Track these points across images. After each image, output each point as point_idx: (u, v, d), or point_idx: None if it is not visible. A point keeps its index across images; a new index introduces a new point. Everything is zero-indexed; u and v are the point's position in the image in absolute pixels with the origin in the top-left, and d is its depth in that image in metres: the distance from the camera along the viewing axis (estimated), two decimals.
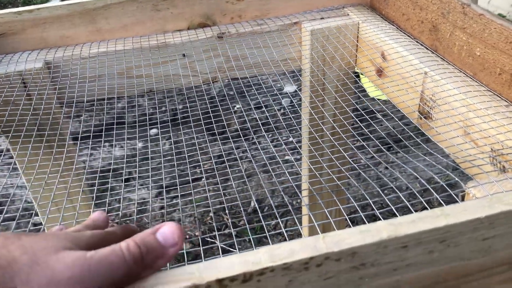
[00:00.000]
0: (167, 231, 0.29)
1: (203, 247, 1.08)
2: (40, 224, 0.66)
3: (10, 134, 0.58)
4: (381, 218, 0.32)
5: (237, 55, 0.70)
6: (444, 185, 0.42)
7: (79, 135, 0.60)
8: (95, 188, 0.50)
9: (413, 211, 0.35)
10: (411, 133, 0.52)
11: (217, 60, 0.70)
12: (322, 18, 0.73)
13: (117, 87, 0.65)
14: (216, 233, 0.38)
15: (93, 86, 0.65)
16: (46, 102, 0.63)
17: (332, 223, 0.41)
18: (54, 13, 0.68)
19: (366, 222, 0.30)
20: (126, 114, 0.63)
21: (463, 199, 0.39)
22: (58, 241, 0.27)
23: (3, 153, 0.62)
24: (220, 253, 0.35)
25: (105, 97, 0.63)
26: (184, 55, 0.71)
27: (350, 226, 0.30)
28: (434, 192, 0.40)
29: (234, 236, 0.71)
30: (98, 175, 0.52)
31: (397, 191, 0.44)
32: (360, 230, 0.28)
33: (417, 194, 0.41)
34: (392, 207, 0.41)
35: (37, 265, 0.25)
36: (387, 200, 0.44)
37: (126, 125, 0.60)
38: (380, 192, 0.47)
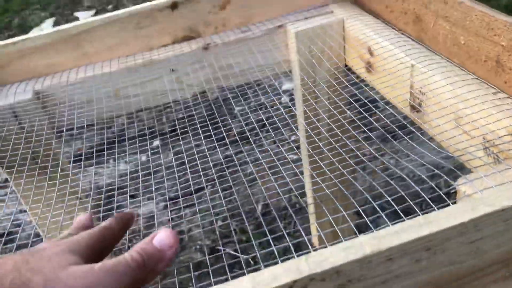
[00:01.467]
0: (162, 236, 0.33)
1: (213, 256, 1.08)
2: None
3: (5, 165, 0.59)
4: (386, 221, 0.31)
5: (224, 65, 0.70)
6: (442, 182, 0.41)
7: (83, 156, 0.60)
8: (101, 208, 0.51)
9: (418, 211, 0.34)
10: (407, 124, 0.52)
11: (204, 72, 0.70)
12: (306, 18, 0.72)
13: (106, 110, 0.65)
14: (221, 242, 0.37)
15: (83, 112, 0.65)
16: (39, 130, 0.63)
17: (338, 229, 0.40)
18: (37, 43, 0.68)
19: (370, 227, 0.29)
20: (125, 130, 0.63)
21: (455, 196, 0.39)
22: (62, 258, 0.29)
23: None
24: (225, 261, 0.35)
25: (95, 122, 0.63)
26: (172, 70, 0.71)
27: (356, 233, 0.29)
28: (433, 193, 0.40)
29: (238, 242, 0.71)
30: (103, 195, 0.52)
31: (401, 191, 0.44)
32: (342, 248, 0.27)
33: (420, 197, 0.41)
34: (396, 208, 0.40)
35: (50, 281, 0.27)
36: (390, 201, 0.44)
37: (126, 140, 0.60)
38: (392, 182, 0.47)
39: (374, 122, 0.53)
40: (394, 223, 0.29)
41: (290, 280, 0.26)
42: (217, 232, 1.11)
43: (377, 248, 0.27)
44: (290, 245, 0.38)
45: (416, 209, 0.38)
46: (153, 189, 0.53)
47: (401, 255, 0.28)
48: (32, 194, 0.54)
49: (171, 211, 1.17)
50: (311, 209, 0.78)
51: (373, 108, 0.56)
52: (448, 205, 0.30)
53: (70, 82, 0.67)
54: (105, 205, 0.51)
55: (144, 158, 1.33)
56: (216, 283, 0.28)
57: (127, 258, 0.30)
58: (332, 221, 0.43)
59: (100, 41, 0.71)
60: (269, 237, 0.41)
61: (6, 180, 0.63)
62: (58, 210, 0.50)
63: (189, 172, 0.54)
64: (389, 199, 0.40)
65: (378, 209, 0.39)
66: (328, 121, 0.60)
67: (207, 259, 0.43)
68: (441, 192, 0.35)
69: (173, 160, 0.56)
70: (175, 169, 0.55)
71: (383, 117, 0.58)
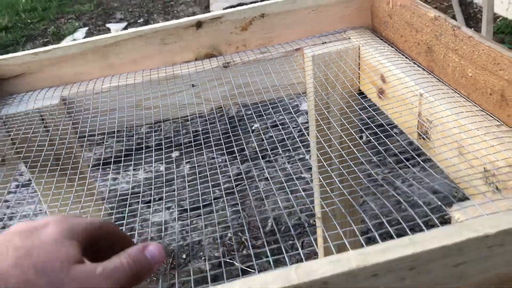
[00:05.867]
0: (154, 251, 0.34)
1: (223, 268, 1.09)
2: None
3: (29, 164, 0.63)
4: (394, 236, 0.33)
5: (241, 83, 0.73)
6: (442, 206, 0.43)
7: (101, 161, 0.63)
8: (114, 211, 0.53)
9: (424, 228, 0.36)
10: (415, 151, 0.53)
11: (222, 89, 0.73)
12: (323, 43, 0.75)
13: (127, 119, 0.69)
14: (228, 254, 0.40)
15: (105, 120, 0.68)
16: (63, 135, 0.67)
17: (347, 243, 0.42)
18: (68, 52, 0.72)
19: (379, 241, 0.31)
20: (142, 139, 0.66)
21: (449, 222, 0.40)
22: (62, 249, 0.31)
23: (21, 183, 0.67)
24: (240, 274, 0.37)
25: (115, 130, 0.67)
26: (192, 85, 0.74)
27: (363, 245, 0.31)
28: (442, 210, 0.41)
29: (253, 257, 0.73)
30: (117, 198, 0.55)
31: (410, 209, 0.45)
32: (330, 260, 0.29)
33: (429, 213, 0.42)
34: (404, 225, 0.42)
35: (54, 284, 0.29)
36: (399, 219, 0.46)
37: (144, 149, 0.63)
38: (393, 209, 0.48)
39: (379, 147, 0.55)
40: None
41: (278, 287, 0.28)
42: (226, 244, 1.13)
43: (362, 263, 0.29)
44: (302, 257, 0.40)
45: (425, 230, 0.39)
46: (164, 196, 0.56)
47: (386, 272, 0.30)
48: (51, 193, 0.57)
49: (183, 220, 1.20)
50: (319, 229, 0.80)
51: (379, 132, 0.58)
52: None
53: (96, 91, 0.71)
54: (119, 211, 0.54)
55: (161, 168, 1.37)
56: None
57: (124, 265, 0.32)
58: (342, 234, 0.45)
59: (126, 54, 0.75)
60: (283, 248, 0.42)
61: (29, 180, 0.67)
62: (73, 210, 0.53)
63: (199, 184, 0.57)
64: (384, 220, 0.41)
65: (373, 231, 0.41)
66: (338, 144, 0.62)
67: (207, 270, 0.45)
68: (433, 217, 0.37)
69: (185, 172, 0.59)
70: (182, 179, 0.58)
71: (388, 142, 0.59)
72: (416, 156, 0.52)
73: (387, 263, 0.29)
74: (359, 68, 0.72)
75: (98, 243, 0.35)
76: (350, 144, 0.58)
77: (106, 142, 0.67)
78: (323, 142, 0.65)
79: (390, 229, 0.41)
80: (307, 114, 1.66)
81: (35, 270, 0.29)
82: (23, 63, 0.72)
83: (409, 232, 0.39)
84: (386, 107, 0.65)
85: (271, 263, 0.41)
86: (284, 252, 0.42)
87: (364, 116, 0.59)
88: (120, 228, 0.46)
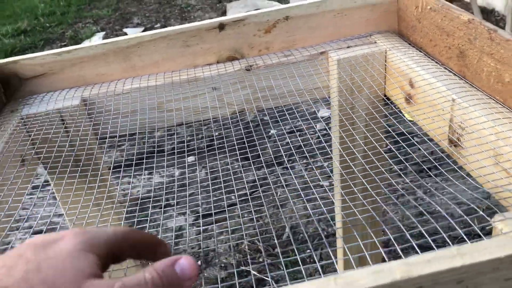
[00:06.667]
0: (185, 264, 0.30)
1: (238, 275, 1.08)
2: None
3: (49, 165, 0.62)
4: (418, 251, 0.31)
5: (264, 86, 0.71)
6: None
7: (122, 163, 0.62)
8: (128, 215, 0.52)
9: (450, 243, 0.34)
10: (445, 158, 0.51)
11: (245, 92, 0.72)
12: (348, 47, 0.73)
13: (149, 121, 0.68)
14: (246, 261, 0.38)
15: (126, 121, 0.67)
16: (83, 136, 0.66)
17: (367, 256, 0.40)
18: (90, 53, 0.72)
19: (402, 255, 0.29)
20: (161, 142, 0.65)
21: (490, 234, 0.38)
22: (77, 264, 0.28)
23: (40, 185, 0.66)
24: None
25: (137, 132, 0.66)
26: (214, 88, 0.73)
27: (385, 260, 0.29)
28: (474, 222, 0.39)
29: (266, 267, 0.71)
30: (135, 202, 0.54)
31: (434, 222, 0.43)
32: (372, 271, 0.27)
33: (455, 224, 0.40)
34: (428, 238, 0.40)
35: None
36: (423, 231, 0.43)
37: (160, 153, 0.62)
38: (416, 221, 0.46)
39: (399, 155, 0.53)
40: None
41: None
42: (242, 252, 1.11)
43: (407, 274, 0.27)
44: (319, 266, 0.38)
45: (450, 243, 0.37)
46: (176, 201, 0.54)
47: (432, 285, 0.28)
48: (70, 196, 0.56)
49: (199, 226, 1.18)
50: (339, 234, 0.78)
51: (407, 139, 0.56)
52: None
53: (117, 92, 0.70)
54: (138, 215, 0.52)
55: (176, 172, 1.36)
56: None
57: (147, 280, 0.28)
58: (362, 246, 0.43)
59: (148, 55, 0.74)
60: (298, 257, 0.41)
61: (46, 181, 0.66)
62: (93, 213, 0.52)
63: (221, 188, 0.55)
64: (422, 230, 0.39)
65: (410, 239, 0.39)
66: (363, 150, 0.60)
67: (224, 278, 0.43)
68: (475, 226, 0.35)
69: (200, 177, 0.58)
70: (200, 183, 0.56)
71: (409, 150, 0.57)
72: (438, 166, 0.50)
73: (434, 275, 0.27)
74: (385, 72, 0.70)
75: (125, 255, 0.32)
76: (374, 150, 0.56)
77: (126, 145, 0.66)
78: (348, 145, 0.63)
79: (413, 242, 0.39)
80: (324, 120, 1.64)
81: (44, 286, 0.26)
82: (45, 63, 0.72)
83: (433, 246, 0.37)
84: (415, 113, 0.62)
85: (285, 273, 0.39)
86: (300, 264, 0.40)
87: (394, 120, 0.57)
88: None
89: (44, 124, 0.65)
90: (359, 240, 0.43)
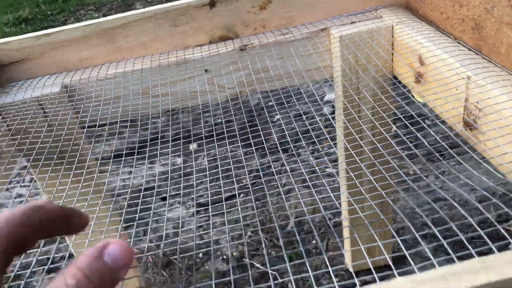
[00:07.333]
0: (115, 250, 0.24)
1: (240, 268, 1.03)
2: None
3: (32, 158, 0.57)
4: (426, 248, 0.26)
5: (260, 67, 0.65)
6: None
7: (112, 154, 0.57)
8: (123, 209, 0.47)
9: (469, 247, 0.29)
10: (459, 142, 0.45)
11: (239, 74, 0.66)
12: (352, 23, 0.67)
13: (132, 108, 0.62)
14: (246, 257, 0.33)
15: (108, 109, 0.62)
16: (64, 125, 0.61)
17: (380, 244, 0.35)
18: (71, 35, 0.66)
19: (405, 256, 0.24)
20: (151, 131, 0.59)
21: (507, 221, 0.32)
22: None
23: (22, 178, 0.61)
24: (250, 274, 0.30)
25: (119, 119, 0.60)
26: (206, 70, 0.67)
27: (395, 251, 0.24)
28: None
29: (267, 260, 0.66)
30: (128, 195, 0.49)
31: (443, 213, 0.38)
32: None
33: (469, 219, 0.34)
34: (441, 238, 0.35)
35: None
36: (433, 228, 0.38)
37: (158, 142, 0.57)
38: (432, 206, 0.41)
39: (422, 138, 0.47)
40: (439, 261, 0.24)
41: None
42: (245, 244, 1.07)
43: None
44: (326, 259, 0.33)
45: (467, 244, 0.31)
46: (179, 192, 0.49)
47: None
48: (54, 190, 0.51)
49: (200, 217, 1.13)
50: (345, 230, 0.72)
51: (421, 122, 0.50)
52: (509, 243, 0.24)
53: (100, 78, 0.65)
54: (130, 206, 0.47)
55: (178, 161, 1.31)
56: None
57: (70, 287, 0.22)
58: (374, 234, 0.37)
59: (135, 36, 0.68)
60: (302, 249, 0.35)
61: (24, 168, 0.61)
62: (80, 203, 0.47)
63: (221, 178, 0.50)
64: (434, 228, 0.34)
65: (419, 238, 0.33)
66: (370, 134, 0.54)
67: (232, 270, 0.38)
68: (500, 227, 0.29)
69: (204, 165, 0.52)
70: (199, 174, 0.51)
71: (419, 135, 0.51)
72: (451, 150, 0.44)
73: None
74: (392, 49, 0.64)
75: (32, 240, 0.25)
76: (383, 134, 0.51)
77: (118, 134, 0.60)
78: (352, 131, 0.57)
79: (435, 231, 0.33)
80: (329, 103, 1.58)
81: None
82: (22, 48, 0.66)
83: (464, 238, 0.32)
84: (425, 93, 0.56)
85: (288, 266, 0.34)
86: (305, 256, 0.35)
87: (401, 102, 0.51)
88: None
89: (19, 114, 0.60)
90: (370, 228, 0.38)
